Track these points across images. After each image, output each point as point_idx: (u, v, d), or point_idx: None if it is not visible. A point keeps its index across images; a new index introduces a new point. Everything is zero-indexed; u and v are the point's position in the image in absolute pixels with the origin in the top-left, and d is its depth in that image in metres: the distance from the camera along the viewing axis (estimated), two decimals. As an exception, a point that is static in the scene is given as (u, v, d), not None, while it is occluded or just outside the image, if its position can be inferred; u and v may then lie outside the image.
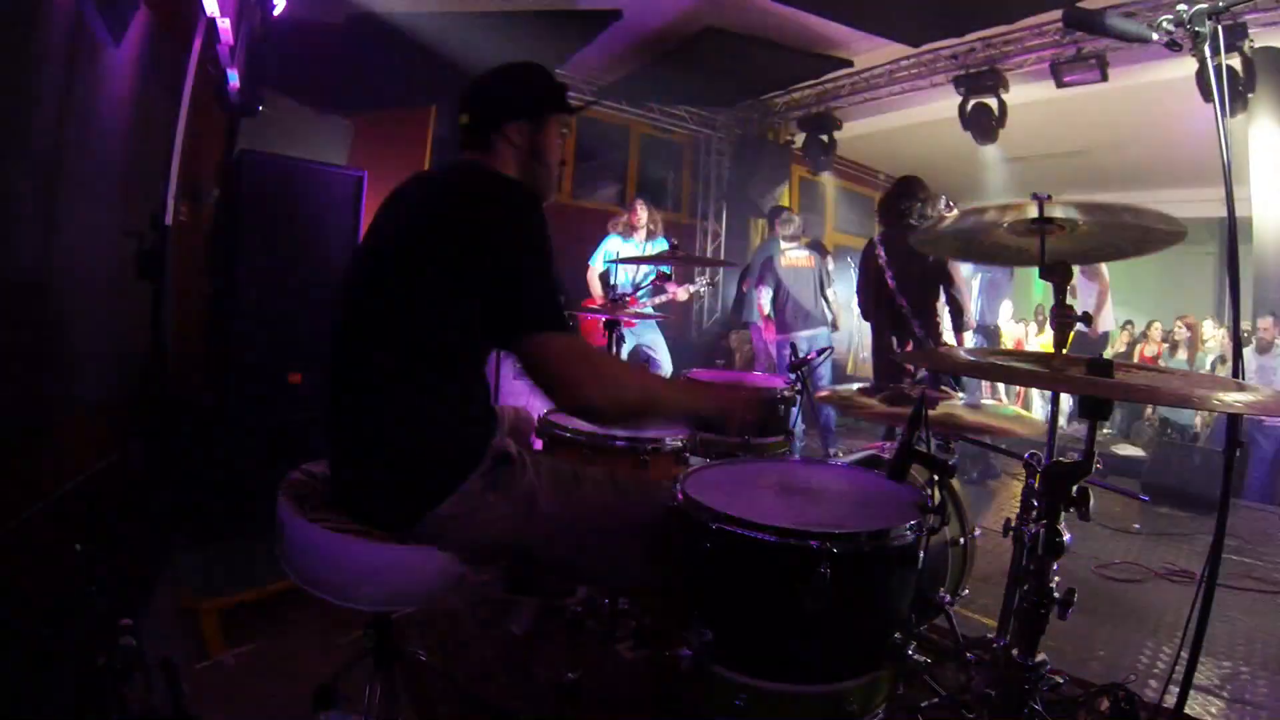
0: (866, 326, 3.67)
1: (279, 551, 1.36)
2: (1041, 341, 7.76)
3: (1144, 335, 8.27)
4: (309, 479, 1.47)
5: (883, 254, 3.10)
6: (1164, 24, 1.42)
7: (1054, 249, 1.46)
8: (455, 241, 1.25)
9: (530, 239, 1.26)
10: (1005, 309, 6.64)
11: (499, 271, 1.23)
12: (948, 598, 1.89)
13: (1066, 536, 1.26)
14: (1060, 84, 4.93)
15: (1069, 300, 1.50)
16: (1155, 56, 4.50)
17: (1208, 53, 1.37)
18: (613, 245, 4.81)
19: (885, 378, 3.11)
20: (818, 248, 5.21)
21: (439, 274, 1.25)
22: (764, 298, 5.07)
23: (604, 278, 4.69)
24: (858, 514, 1.37)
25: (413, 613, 2.25)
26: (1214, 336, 7.15)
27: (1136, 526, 3.86)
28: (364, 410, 1.31)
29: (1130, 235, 1.47)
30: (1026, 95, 5.34)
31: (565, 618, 2.24)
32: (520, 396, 2.47)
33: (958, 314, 3.04)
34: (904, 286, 3.01)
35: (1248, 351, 5.22)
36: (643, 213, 4.77)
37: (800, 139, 7.10)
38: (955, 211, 3.79)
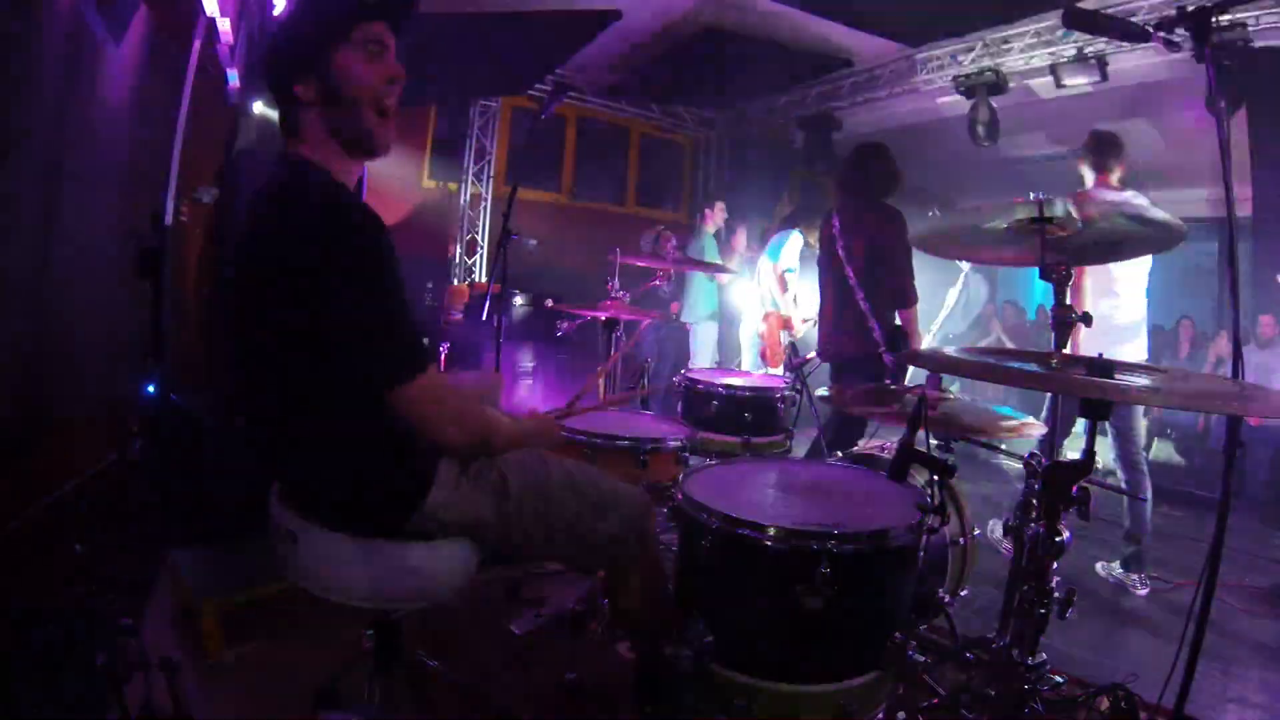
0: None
1: (277, 551, 1.36)
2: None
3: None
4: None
5: (837, 224, 3.03)
6: (1164, 24, 1.41)
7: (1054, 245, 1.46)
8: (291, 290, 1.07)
9: (357, 272, 1.05)
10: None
11: (335, 321, 1.06)
12: (948, 598, 1.89)
13: (1066, 536, 1.26)
14: (1060, 84, 4.92)
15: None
16: (1155, 56, 4.49)
17: (1207, 53, 1.37)
18: (796, 244, 4.73)
19: (829, 351, 3.03)
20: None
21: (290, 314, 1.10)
22: None
23: (782, 279, 4.70)
24: (858, 514, 1.37)
25: (413, 612, 2.25)
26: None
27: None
28: (327, 424, 1.21)
29: (1129, 235, 1.47)
30: (1027, 95, 5.34)
31: (565, 618, 2.24)
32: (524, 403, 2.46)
33: (899, 291, 2.92)
34: (851, 258, 2.95)
35: (1247, 350, 5.21)
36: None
37: (800, 139, 7.09)
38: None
